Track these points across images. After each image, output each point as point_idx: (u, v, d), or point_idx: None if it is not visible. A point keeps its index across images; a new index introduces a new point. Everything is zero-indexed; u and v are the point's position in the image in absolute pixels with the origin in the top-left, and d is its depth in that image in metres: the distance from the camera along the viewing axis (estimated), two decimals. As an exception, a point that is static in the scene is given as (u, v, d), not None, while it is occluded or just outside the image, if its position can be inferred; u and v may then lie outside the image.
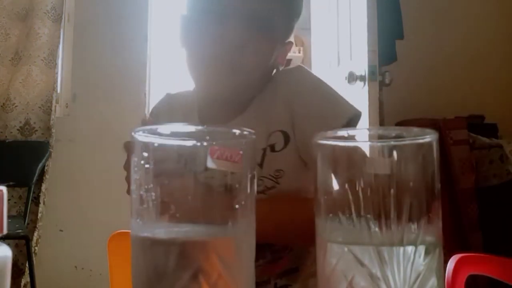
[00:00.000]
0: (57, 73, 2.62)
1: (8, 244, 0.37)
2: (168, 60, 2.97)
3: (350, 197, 0.34)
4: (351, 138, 0.36)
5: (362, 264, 0.33)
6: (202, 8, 0.82)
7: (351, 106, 0.81)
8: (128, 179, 0.59)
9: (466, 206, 2.32)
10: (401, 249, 0.33)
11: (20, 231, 2.06)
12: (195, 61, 0.85)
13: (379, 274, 0.33)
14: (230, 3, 0.78)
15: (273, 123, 0.80)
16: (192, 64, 0.87)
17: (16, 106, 2.55)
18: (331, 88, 0.85)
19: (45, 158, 2.47)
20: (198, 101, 0.91)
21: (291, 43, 0.89)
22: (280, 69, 0.89)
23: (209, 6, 0.80)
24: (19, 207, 2.43)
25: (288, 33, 0.87)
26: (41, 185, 2.49)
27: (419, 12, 2.79)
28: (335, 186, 0.36)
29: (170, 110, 0.97)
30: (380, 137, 0.35)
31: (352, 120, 0.77)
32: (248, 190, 0.35)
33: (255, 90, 0.85)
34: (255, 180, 0.36)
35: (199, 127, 0.36)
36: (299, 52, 3.90)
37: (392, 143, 0.35)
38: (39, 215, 2.49)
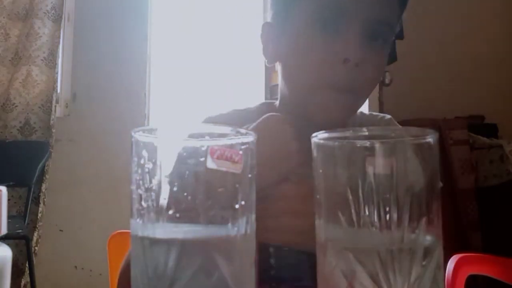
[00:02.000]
0: (57, 73, 2.62)
1: (8, 244, 0.37)
2: (168, 60, 2.97)
3: (350, 197, 0.34)
4: (351, 138, 0.36)
5: (362, 264, 0.33)
6: (312, 11, 0.68)
7: None
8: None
9: (466, 206, 2.32)
10: (401, 249, 0.33)
11: (20, 231, 2.06)
12: (300, 83, 0.71)
13: (379, 274, 0.33)
14: (346, 7, 0.66)
15: None
16: (294, 87, 0.73)
17: (16, 106, 2.55)
18: None
19: (45, 158, 2.47)
20: None
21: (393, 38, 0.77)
22: None
23: (319, 14, 0.68)
24: (19, 207, 2.43)
25: (396, 28, 0.74)
26: (41, 185, 2.49)
27: (419, 12, 2.79)
28: (335, 186, 0.36)
29: None
30: (380, 137, 0.35)
31: None
32: (248, 190, 0.35)
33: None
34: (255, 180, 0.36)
35: (199, 127, 0.36)
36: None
37: (392, 143, 0.35)
38: (39, 215, 2.49)
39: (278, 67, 0.76)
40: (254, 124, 0.61)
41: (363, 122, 0.80)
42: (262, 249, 0.62)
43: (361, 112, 0.81)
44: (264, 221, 0.54)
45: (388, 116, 0.84)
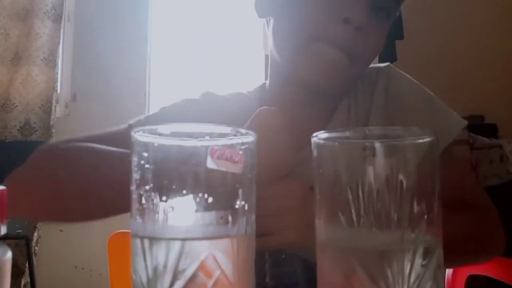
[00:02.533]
0: (57, 73, 2.62)
1: (8, 244, 0.37)
2: (168, 60, 2.97)
3: (350, 197, 0.34)
4: (351, 138, 0.36)
5: (362, 264, 0.33)
6: None
7: (458, 117, 0.73)
8: None
9: (466, 206, 2.32)
10: (401, 249, 0.33)
11: (20, 231, 2.06)
12: (293, 37, 0.67)
13: (379, 274, 0.33)
14: None
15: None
16: (286, 42, 0.68)
17: (16, 106, 2.55)
18: (434, 96, 0.74)
19: (45, 158, 2.47)
20: (270, 102, 0.68)
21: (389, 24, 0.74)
22: None
23: None
24: (19, 207, 2.43)
25: (395, 13, 0.71)
26: (41, 185, 2.49)
27: (419, 12, 2.79)
28: (335, 186, 0.36)
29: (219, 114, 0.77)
30: (380, 137, 0.35)
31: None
32: (248, 190, 0.35)
33: (350, 86, 0.71)
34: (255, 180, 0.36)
35: (199, 127, 0.36)
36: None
37: (392, 143, 0.35)
38: (39, 215, 2.49)
39: (270, 25, 0.72)
40: (248, 122, 0.58)
41: (359, 81, 0.74)
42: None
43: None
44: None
45: (384, 64, 0.79)
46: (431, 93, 0.75)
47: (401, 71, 0.79)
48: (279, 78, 0.75)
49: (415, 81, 0.76)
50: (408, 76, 0.78)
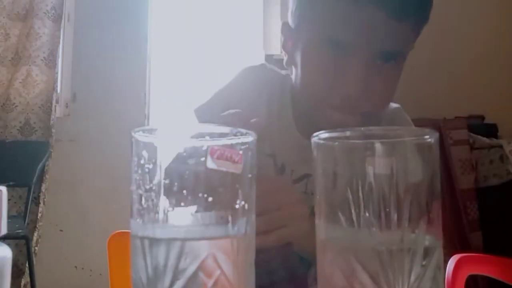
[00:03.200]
0: (57, 73, 2.62)
1: (8, 244, 0.37)
2: (168, 60, 2.97)
3: (350, 197, 0.34)
4: (351, 138, 0.36)
5: (362, 264, 0.33)
6: (326, 35, 0.68)
7: None
8: None
9: (466, 206, 2.32)
10: (401, 249, 0.33)
11: (20, 231, 2.06)
12: (307, 96, 0.73)
13: (379, 274, 0.33)
14: (364, 37, 0.65)
15: None
16: (303, 96, 0.74)
17: (16, 106, 2.55)
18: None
19: (45, 158, 2.47)
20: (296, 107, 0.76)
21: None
22: None
23: (324, 41, 0.68)
24: (19, 207, 2.43)
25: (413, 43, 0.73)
26: (41, 185, 2.49)
27: (419, 12, 2.78)
28: (335, 186, 0.36)
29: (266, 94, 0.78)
30: (380, 137, 0.35)
31: None
32: (248, 190, 0.35)
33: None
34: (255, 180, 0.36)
35: (199, 127, 0.36)
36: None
37: (392, 143, 0.35)
38: (39, 215, 2.49)
39: (293, 70, 0.78)
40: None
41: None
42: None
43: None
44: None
45: (395, 105, 0.83)
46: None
47: (407, 116, 0.82)
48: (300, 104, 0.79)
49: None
50: (410, 121, 0.81)
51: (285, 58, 0.78)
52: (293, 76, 0.77)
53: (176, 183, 0.33)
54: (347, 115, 0.68)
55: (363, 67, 0.66)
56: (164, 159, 0.33)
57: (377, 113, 0.73)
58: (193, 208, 0.33)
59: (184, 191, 0.33)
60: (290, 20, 0.76)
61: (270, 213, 0.56)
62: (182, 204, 0.33)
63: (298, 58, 0.73)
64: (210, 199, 0.33)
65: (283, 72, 0.83)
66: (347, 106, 0.68)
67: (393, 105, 0.83)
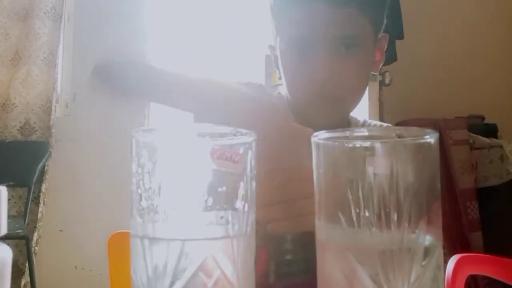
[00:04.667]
0: (57, 73, 2.62)
1: (8, 244, 0.37)
2: (168, 60, 2.97)
3: (350, 197, 0.34)
4: (351, 138, 0.36)
5: (362, 264, 0.33)
6: (289, 37, 0.79)
7: None
8: None
9: (466, 206, 2.32)
10: (401, 249, 0.33)
11: (20, 231, 2.06)
12: (294, 95, 0.82)
13: (379, 274, 0.33)
14: (317, 30, 0.75)
15: None
16: (291, 98, 0.83)
17: (16, 106, 2.55)
18: None
19: (45, 158, 2.47)
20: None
21: (385, 36, 0.84)
22: (380, 66, 0.87)
23: (291, 42, 0.78)
24: (19, 207, 2.43)
25: (380, 28, 0.82)
26: (41, 185, 2.49)
27: (419, 12, 2.79)
28: (335, 186, 0.36)
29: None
30: (380, 137, 0.35)
31: None
32: (248, 190, 0.35)
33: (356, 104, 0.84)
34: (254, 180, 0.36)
35: (199, 127, 0.36)
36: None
37: (392, 143, 0.35)
38: (39, 215, 2.49)
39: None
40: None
41: None
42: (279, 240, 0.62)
43: (364, 120, 0.90)
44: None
45: (386, 125, 0.92)
46: None
47: None
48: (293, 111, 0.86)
49: None
50: None
51: (277, 76, 0.88)
52: (283, 89, 0.86)
53: (176, 183, 0.33)
54: (327, 101, 0.77)
55: (327, 54, 0.74)
56: (164, 159, 0.33)
57: (352, 99, 0.80)
58: (193, 208, 0.33)
59: (184, 191, 0.33)
60: (272, 41, 0.86)
61: (300, 200, 0.57)
62: (182, 204, 0.33)
63: (281, 69, 0.83)
64: (210, 199, 0.33)
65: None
66: (323, 92, 0.76)
67: (385, 124, 0.93)
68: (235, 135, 0.35)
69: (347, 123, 0.86)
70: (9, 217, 0.40)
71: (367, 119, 0.92)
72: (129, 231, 0.35)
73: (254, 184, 0.36)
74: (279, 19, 0.81)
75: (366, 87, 0.83)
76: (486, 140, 2.44)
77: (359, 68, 0.79)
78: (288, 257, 0.65)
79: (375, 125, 0.92)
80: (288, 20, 0.79)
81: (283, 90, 0.86)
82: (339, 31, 0.75)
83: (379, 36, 0.83)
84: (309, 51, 0.76)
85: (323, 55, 0.75)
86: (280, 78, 0.87)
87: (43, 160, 2.46)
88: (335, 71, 0.75)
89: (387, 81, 2.49)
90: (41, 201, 2.50)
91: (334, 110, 0.79)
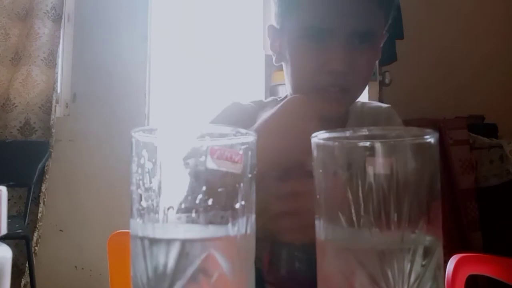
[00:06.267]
0: (57, 73, 2.62)
1: (8, 244, 0.37)
2: (168, 60, 2.97)
3: (350, 197, 0.34)
4: (351, 138, 0.36)
5: (362, 264, 0.33)
6: (306, 26, 0.78)
7: None
8: None
9: (466, 206, 2.32)
10: (401, 249, 0.33)
11: (20, 231, 2.06)
12: (299, 85, 0.82)
13: (379, 274, 0.33)
14: (337, 21, 0.76)
15: None
16: (296, 86, 0.82)
17: (16, 106, 2.55)
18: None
19: (45, 158, 2.47)
20: None
21: (386, 34, 0.86)
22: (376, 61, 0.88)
23: (307, 30, 0.78)
24: (19, 207, 2.43)
25: (387, 25, 0.84)
26: (41, 185, 2.49)
27: (419, 12, 2.79)
28: (335, 186, 0.36)
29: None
30: (380, 137, 0.35)
31: None
32: (248, 190, 0.35)
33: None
34: (255, 180, 0.36)
35: (199, 127, 0.36)
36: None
37: (392, 143, 0.35)
38: (39, 215, 2.49)
39: (283, 66, 0.86)
40: (279, 106, 0.64)
41: (364, 112, 0.90)
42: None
43: (362, 103, 0.91)
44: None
45: (386, 105, 0.93)
46: None
47: (397, 116, 0.92)
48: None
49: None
50: (401, 122, 0.92)
51: (274, 57, 0.87)
52: (284, 73, 0.85)
53: (176, 183, 0.33)
54: (335, 94, 0.77)
55: (343, 45, 0.75)
56: (164, 159, 0.33)
57: (359, 89, 0.82)
58: (193, 208, 0.33)
59: (184, 191, 0.33)
60: (274, 22, 0.86)
61: (312, 210, 0.59)
62: (182, 204, 0.33)
63: (286, 53, 0.82)
64: (210, 199, 0.33)
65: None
66: (332, 85, 0.77)
67: (383, 104, 0.94)
68: (235, 135, 0.35)
69: (345, 116, 0.87)
70: (9, 217, 0.40)
71: (365, 102, 0.93)
72: (129, 231, 0.34)
73: (254, 184, 0.36)
74: (296, 8, 0.80)
75: (370, 75, 0.84)
76: (486, 140, 2.44)
77: (369, 61, 0.80)
78: (297, 265, 0.65)
79: (374, 107, 0.93)
80: (307, 9, 0.78)
81: (285, 73, 0.85)
82: (357, 25, 0.76)
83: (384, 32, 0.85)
84: (326, 41, 0.76)
85: (340, 46, 0.75)
86: (277, 61, 0.86)
87: (43, 160, 2.46)
88: (350, 63, 0.76)
89: (387, 81, 2.49)
90: (41, 201, 2.50)
91: (343, 100, 0.80)
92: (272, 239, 0.60)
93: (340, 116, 0.83)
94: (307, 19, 0.78)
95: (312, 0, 0.78)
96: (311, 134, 0.60)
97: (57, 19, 2.65)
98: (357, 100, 0.89)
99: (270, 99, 0.96)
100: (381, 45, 0.86)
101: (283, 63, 0.85)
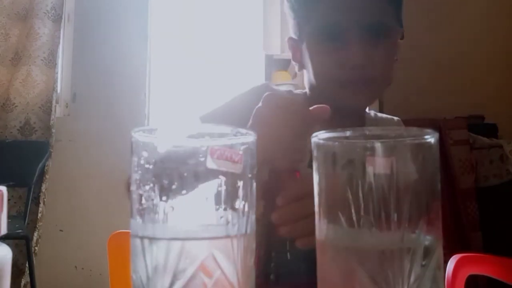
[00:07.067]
0: (57, 73, 2.62)
1: (8, 244, 0.37)
2: (168, 60, 2.97)
3: (350, 197, 0.34)
4: (351, 138, 0.36)
5: (362, 264, 0.33)
6: (323, 24, 0.82)
7: None
8: None
9: (466, 206, 2.32)
10: (401, 249, 0.33)
11: (20, 231, 2.06)
12: (323, 85, 0.85)
13: (379, 274, 0.33)
14: (351, 18, 0.80)
15: None
16: (320, 86, 0.85)
17: (16, 106, 2.55)
18: None
19: (45, 158, 2.47)
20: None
21: (402, 29, 0.90)
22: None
23: (322, 31, 0.82)
24: (19, 207, 2.43)
25: (401, 21, 0.89)
26: (41, 185, 2.49)
27: (419, 12, 2.79)
28: (335, 186, 0.36)
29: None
30: (380, 137, 0.35)
31: None
32: (248, 190, 0.35)
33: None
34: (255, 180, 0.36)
35: (199, 127, 0.36)
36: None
37: (392, 143, 0.35)
38: (39, 215, 2.49)
39: (304, 72, 0.90)
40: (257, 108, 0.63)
41: (378, 122, 0.95)
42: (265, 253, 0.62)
43: (375, 113, 0.96)
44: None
45: (397, 118, 0.99)
46: None
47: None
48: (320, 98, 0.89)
49: None
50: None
51: (296, 67, 0.91)
52: (305, 79, 0.89)
53: (176, 183, 0.33)
54: (360, 86, 0.81)
55: (360, 39, 0.79)
56: (164, 159, 0.33)
57: (381, 80, 0.85)
58: (193, 208, 0.33)
59: (184, 191, 0.33)
60: (292, 33, 0.89)
61: None
62: (182, 204, 0.33)
63: (306, 58, 0.86)
64: (210, 199, 0.33)
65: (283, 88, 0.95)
66: (356, 79, 0.80)
67: (395, 117, 1.00)
68: (235, 135, 0.35)
69: (363, 118, 0.92)
70: (9, 217, 0.40)
71: (377, 112, 0.98)
72: (129, 231, 0.34)
73: (254, 184, 0.36)
74: (312, 7, 0.84)
75: (393, 70, 0.89)
76: (486, 140, 2.44)
77: (387, 54, 0.85)
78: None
79: (386, 118, 0.98)
80: (323, 8, 0.82)
81: (305, 80, 0.89)
82: (371, 19, 0.81)
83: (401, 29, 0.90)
84: (342, 38, 0.80)
85: (358, 41, 0.79)
86: (299, 69, 0.90)
87: (43, 160, 2.46)
88: (368, 56, 0.79)
89: (387, 81, 2.49)
90: (41, 201, 2.50)
91: (367, 92, 0.83)
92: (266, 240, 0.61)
93: (358, 122, 0.88)
94: (321, 19, 0.82)
95: (328, 1, 0.82)
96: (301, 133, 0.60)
97: (57, 19, 2.65)
98: (370, 111, 0.94)
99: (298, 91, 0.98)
100: (399, 39, 0.90)
101: (304, 71, 0.89)
